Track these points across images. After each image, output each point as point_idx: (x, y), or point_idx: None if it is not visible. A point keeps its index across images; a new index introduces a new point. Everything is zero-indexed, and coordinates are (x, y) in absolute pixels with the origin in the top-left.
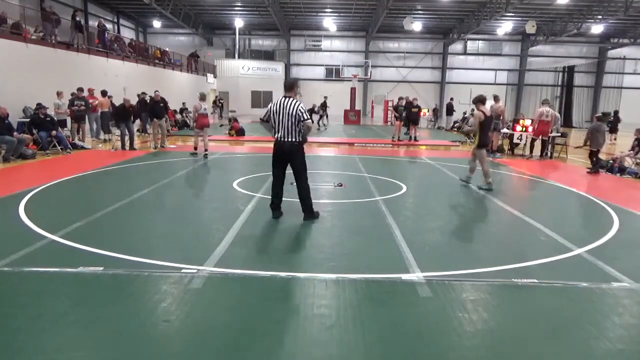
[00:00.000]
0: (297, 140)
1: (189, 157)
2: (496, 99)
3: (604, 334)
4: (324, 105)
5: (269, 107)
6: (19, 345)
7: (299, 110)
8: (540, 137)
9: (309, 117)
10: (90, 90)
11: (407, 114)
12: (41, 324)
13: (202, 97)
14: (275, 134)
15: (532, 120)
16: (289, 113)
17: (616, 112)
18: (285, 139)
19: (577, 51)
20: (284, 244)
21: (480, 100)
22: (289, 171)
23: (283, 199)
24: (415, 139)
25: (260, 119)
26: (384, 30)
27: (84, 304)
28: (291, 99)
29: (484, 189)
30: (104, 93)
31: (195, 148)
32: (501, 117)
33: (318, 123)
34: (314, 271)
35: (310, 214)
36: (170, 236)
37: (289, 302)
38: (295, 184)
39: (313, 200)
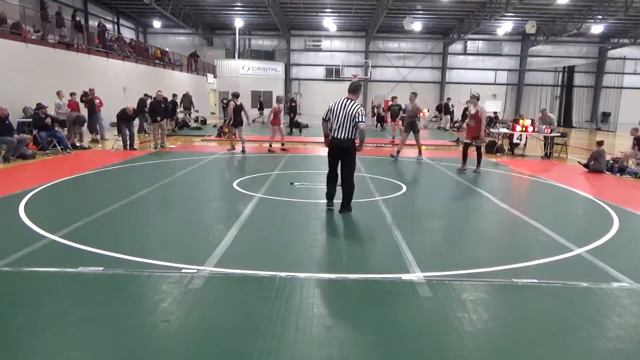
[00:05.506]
0: (351, 137)
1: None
2: (411, 97)
3: (604, 334)
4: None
5: (329, 106)
6: (19, 345)
7: (358, 111)
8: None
9: (364, 121)
10: (91, 91)
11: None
12: (41, 324)
13: (279, 100)
14: (331, 131)
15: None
16: (347, 112)
17: None
18: (340, 136)
19: (577, 51)
20: (284, 244)
21: (234, 95)
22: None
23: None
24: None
25: (322, 118)
26: (384, 30)
27: (84, 304)
28: (352, 101)
29: (240, 152)
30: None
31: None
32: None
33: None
34: (314, 271)
35: (345, 207)
36: (170, 236)
37: (289, 302)
38: (294, 184)
39: (315, 200)
